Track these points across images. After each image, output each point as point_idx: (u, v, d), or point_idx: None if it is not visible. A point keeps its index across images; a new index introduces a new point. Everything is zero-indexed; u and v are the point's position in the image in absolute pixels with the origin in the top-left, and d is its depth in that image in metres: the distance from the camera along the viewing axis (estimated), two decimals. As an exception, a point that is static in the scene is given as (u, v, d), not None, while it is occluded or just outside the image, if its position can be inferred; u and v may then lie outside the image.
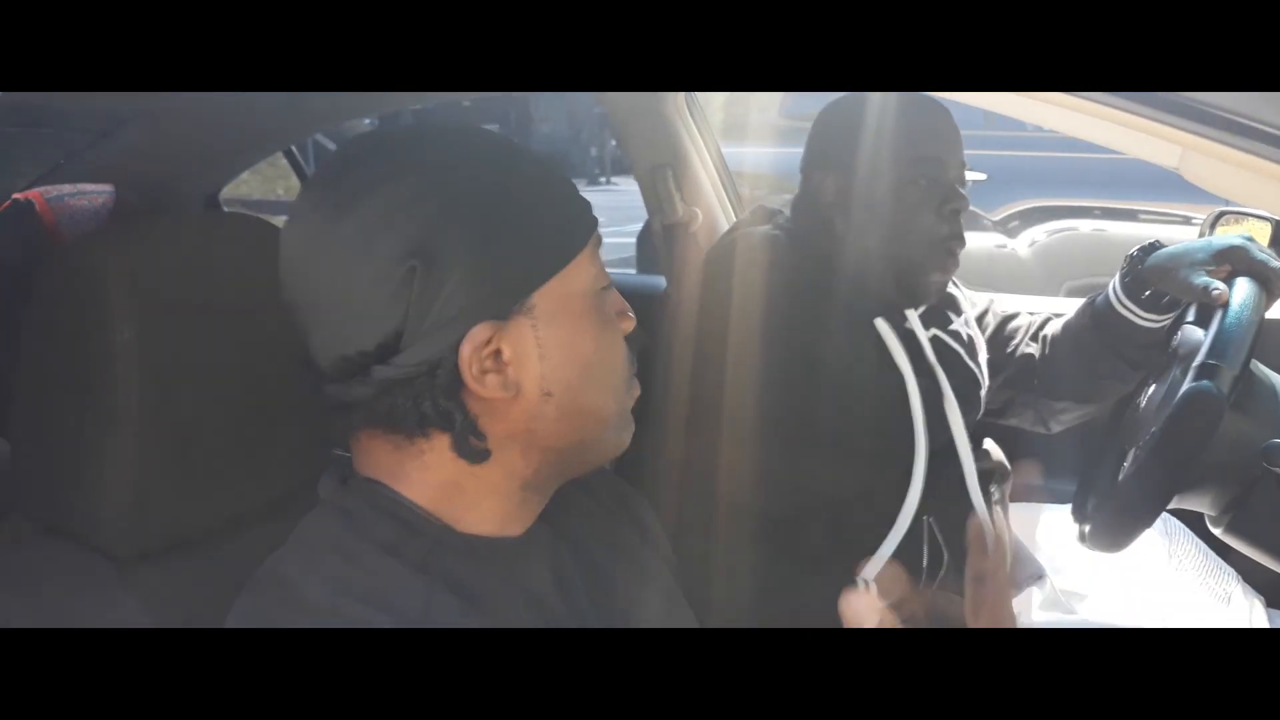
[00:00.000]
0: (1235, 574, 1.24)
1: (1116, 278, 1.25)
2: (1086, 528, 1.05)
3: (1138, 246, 1.24)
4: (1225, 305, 1.06)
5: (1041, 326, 1.38)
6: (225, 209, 2.27)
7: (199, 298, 0.77)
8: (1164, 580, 1.21)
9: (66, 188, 1.79)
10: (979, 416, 1.32)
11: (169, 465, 0.74)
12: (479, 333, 0.60)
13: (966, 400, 1.23)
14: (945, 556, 1.17)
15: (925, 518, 1.17)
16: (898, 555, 1.12)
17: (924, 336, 1.22)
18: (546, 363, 0.63)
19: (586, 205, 0.68)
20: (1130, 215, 3.34)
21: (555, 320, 0.64)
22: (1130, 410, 1.22)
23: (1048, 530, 1.33)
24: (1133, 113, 0.42)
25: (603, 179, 14.61)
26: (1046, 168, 3.35)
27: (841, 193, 1.18)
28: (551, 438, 0.66)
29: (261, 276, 0.83)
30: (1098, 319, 1.27)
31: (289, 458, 0.83)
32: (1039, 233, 3.47)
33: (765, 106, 4.16)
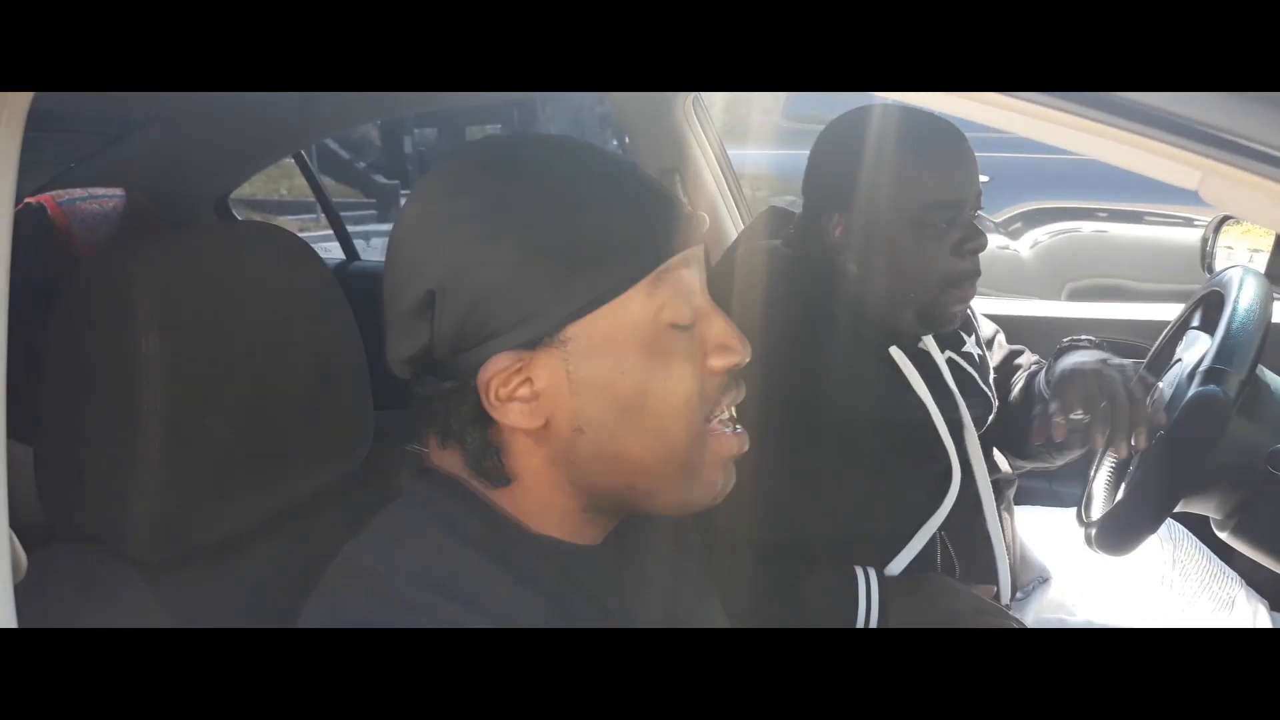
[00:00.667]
0: (1239, 578, 1.25)
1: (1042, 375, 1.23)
2: (1092, 531, 1.06)
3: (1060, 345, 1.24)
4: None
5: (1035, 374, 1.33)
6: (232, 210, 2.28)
7: (222, 306, 0.78)
8: (1168, 585, 1.22)
9: (78, 191, 1.81)
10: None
11: (193, 472, 0.75)
12: (499, 360, 0.58)
13: (980, 421, 1.22)
14: (957, 569, 1.17)
15: (939, 533, 1.16)
16: (910, 566, 1.13)
17: (940, 360, 1.19)
18: (578, 399, 0.59)
19: (657, 231, 0.60)
20: (1133, 217, 3.35)
21: (592, 355, 0.59)
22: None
23: (1052, 533, 1.34)
24: (1151, 137, 0.43)
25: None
26: (1049, 169, 3.35)
27: (852, 233, 1.11)
28: (593, 475, 0.62)
29: (283, 285, 0.84)
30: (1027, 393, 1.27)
31: (310, 464, 0.84)
32: (1041, 234, 3.47)
33: (768, 108, 4.16)
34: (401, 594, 0.57)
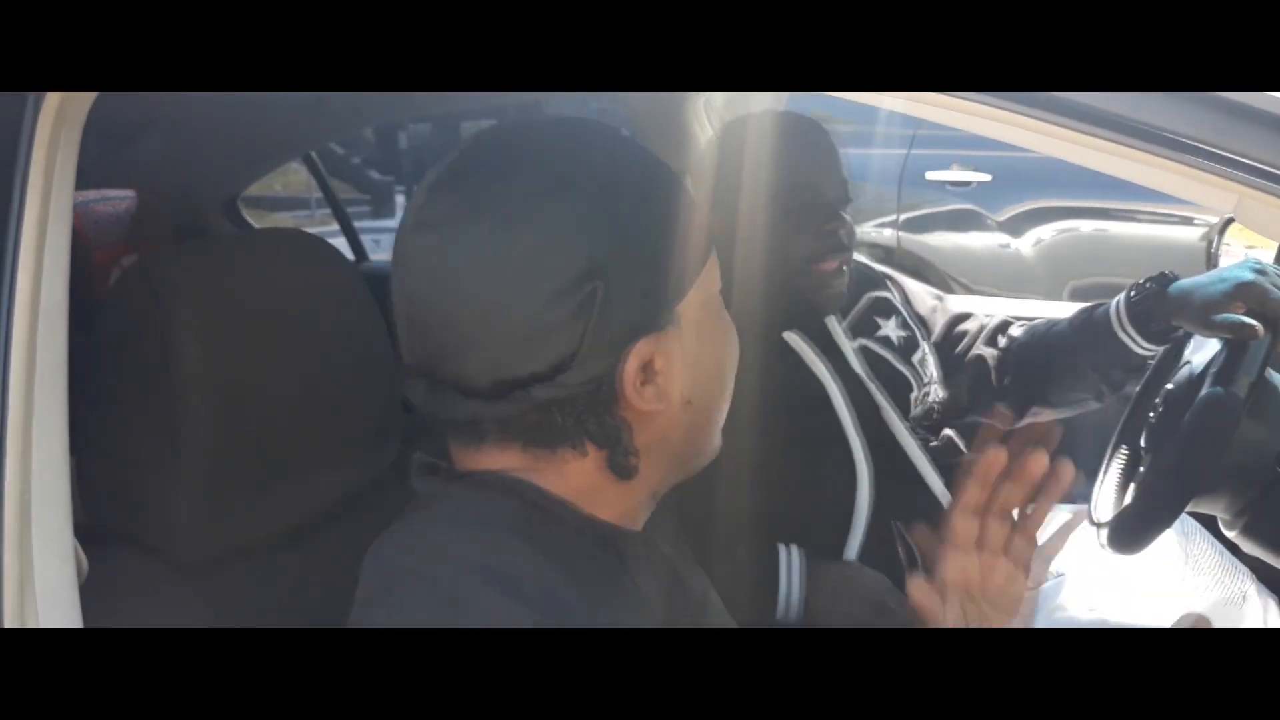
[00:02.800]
0: (1250, 573, 1.26)
1: (1121, 302, 1.25)
2: (1104, 531, 1.07)
3: (1148, 277, 1.24)
4: (1259, 338, 1.05)
5: (1000, 330, 1.39)
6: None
7: (259, 313, 0.80)
8: (1180, 579, 1.24)
9: (91, 194, 1.82)
10: (937, 417, 1.35)
11: (234, 476, 0.77)
12: (644, 347, 0.59)
13: (899, 401, 1.26)
14: (919, 557, 1.20)
15: (893, 522, 1.19)
16: (869, 561, 1.16)
17: (849, 347, 1.26)
18: (691, 371, 0.62)
19: (706, 213, 0.67)
20: (1134, 216, 3.36)
21: (695, 328, 0.62)
22: (1142, 415, 1.24)
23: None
24: (1189, 164, 0.45)
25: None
26: (1051, 169, 3.36)
27: (728, 231, 1.21)
28: (681, 444, 0.65)
29: (315, 290, 0.86)
30: (1090, 335, 1.28)
31: (345, 464, 0.86)
32: (1043, 233, 3.48)
33: (768, 107, 4.17)
34: (459, 592, 0.56)
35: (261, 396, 0.79)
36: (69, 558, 0.60)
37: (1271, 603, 1.23)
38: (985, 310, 1.47)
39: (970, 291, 3.48)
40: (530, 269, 0.56)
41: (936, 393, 1.35)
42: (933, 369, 1.34)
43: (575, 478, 0.62)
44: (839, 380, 1.21)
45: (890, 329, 1.32)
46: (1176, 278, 1.22)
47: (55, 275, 0.64)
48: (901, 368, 1.30)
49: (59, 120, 0.66)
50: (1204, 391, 1.02)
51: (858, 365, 1.25)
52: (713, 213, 1.22)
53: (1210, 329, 1.12)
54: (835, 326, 1.27)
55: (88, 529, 0.79)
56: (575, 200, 0.57)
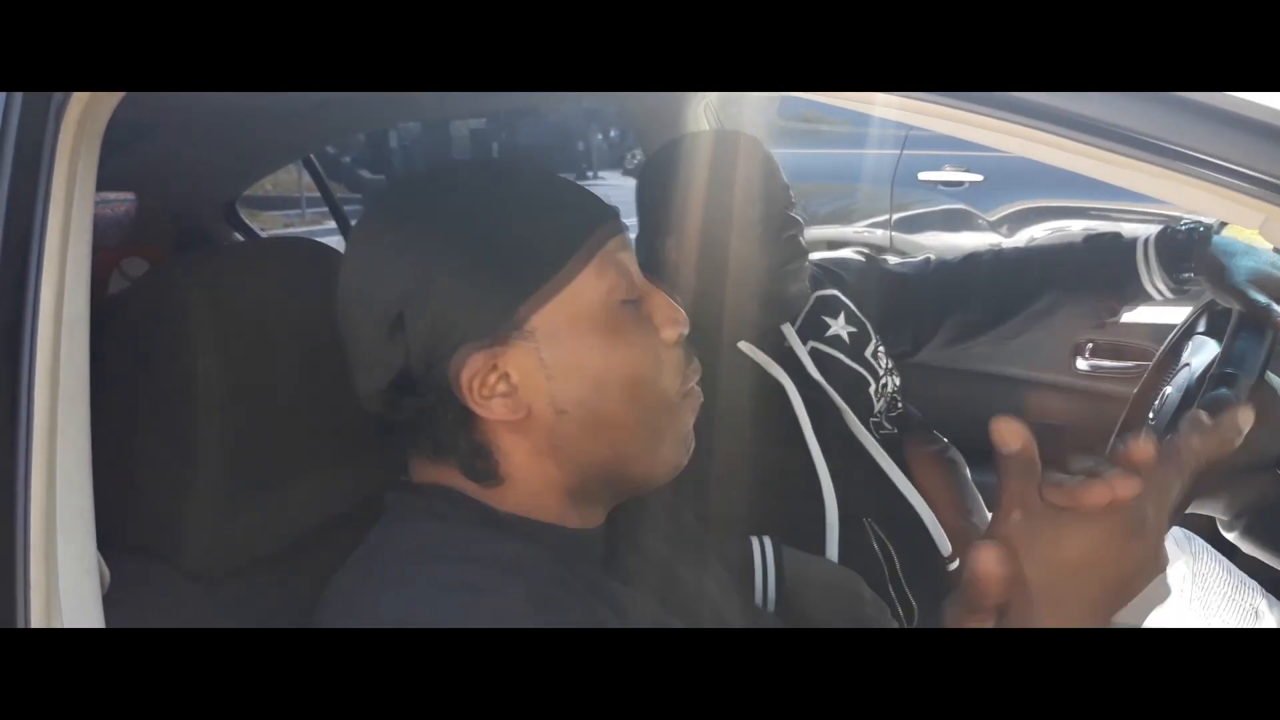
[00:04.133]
0: (1259, 587, 1.26)
1: (1153, 239, 1.22)
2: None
3: (1189, 222, 1.21)
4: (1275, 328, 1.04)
5: (958, 264, 1.40)
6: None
7: (271, 322, 0.80)
8: (1190, 600, 1.24)
9: (91, 197, 1.81)
10: (901, 407, 1.38)
11: (248, 485, 0.77)
12: (474, 361, 0.64)
13: (857, 399, 1.29)
14: (894, 556, 1.22)
15: (865, 520, 1.22)
16: (847, 562, 1.18)
17: (803, 351, 1.29)
18: (554, 382, 0.65)
19: (577, 218, 0.67)
20: (1125, 217, 3.38)
21: (559, 339, 0.65)
22: (1141, 416, 1.26)
23: None
24: (1218, 184, 0.46)
25: (590, 173, 14.61)
26: (1043, 169, 3.37)
27: (684, 251, 1.24)
28: (581, 454, 0.67)
29: (326, 297, 0.86)
30: (1104, 258, 1.26)
31: (356, 472, 0.86)
32: (1035, 233, 3.50)
33: (762, 107, 4.18)
34: (398, 570, 0.63)
35: (276, 405, 0.79)
36: (93, 569, 0.60)
37: (1280, 620, 1.23)
38: (915, 247, 1.50)
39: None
40: (354, 302, 0.67)
41: (894, 382, 1.37)
42: (885, 359, 1.36)
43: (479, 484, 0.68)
44: (797, 386, 1.24)
45: (839, 326, 1.34)
46: (1216, 230, 1.20)
47: (78, 286, 0.64)
48: (855, 365, 1.32)
49: (80, 129, 0.66)
50: (1204, 394, 1.03)
51: (813, 369, 1.28)
52: (662, 238, 1.26)
53: (1231, 294, 1.09)
54: (789, 332, 1.30)
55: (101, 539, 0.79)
56: (388, 238, 0.66)
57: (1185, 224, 1.22)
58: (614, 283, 0.67)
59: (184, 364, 0.74)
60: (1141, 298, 1.24)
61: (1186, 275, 1.19)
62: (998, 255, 1.40)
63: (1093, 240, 1.30)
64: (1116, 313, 1.31)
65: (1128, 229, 1.27)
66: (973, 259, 1.40)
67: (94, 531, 0.61)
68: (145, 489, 0.77)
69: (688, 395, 0.71)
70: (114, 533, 0.79)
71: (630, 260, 0.69)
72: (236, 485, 0.76)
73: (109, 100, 0.68)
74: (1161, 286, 1.22)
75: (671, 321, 0.69)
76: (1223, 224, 1.22)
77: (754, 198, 1.23)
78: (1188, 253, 1.19)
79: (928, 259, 1.46)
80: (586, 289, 0.66)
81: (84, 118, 0.65)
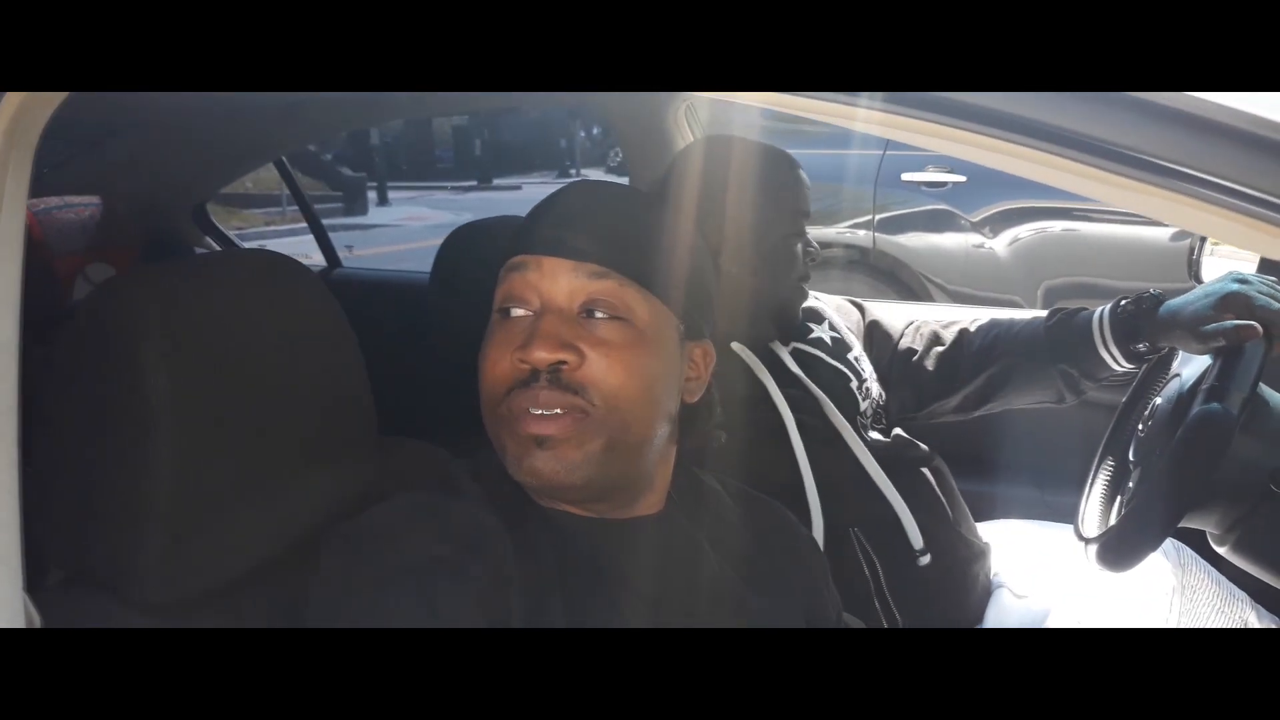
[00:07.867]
0: (1249, 598, 1.25)
1: (1105, 315, 1.26)
2: (1093, 548, 1.06)
3: (1133, 296, 1.24)
4: (1258, 337, 1.06)
5: (947, 329, 1.42)
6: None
7: (227, 340, 0.76)
8: (1179, 612, 1.22)
9: (54, 200, 1.77)
10: (886, 420, 1.38)
11: (201, 513, 0.73)
12: None
13: (839, 395, 1.29)
14: (878, 567, 1.22)
15: (851, 530, 1.21)
16: (835, 576, 1.15)
17: (784, 352, 1.30)
18: None
19: (511, 240, 0.76)
20: (1108, 217, 3.39)
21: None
22: (1130, 428, 1.24)
23: (1050, 552, 1.34)
24: (1239, 210, 0.44)
25: (573, 170, 14.60)
26: (1026, 170, 3.37)
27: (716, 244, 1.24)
28: None
29: (286, 314, 0.82)
30: (1065, 340, 1.29)
31: (316, 495, 0.83)
32: (1018, 233, 3.50)
33: (748, 106, 4.16)
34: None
35: (231, 428, 0.75)
36: (16, 572, 0.57)
37: (1274, 626, 1.22)
38: (908, 315, 1.50)
39: (948, 295, 3.50)
40: None
41: (876, 388, 1.37)
42: (868, 365, 1.38)
43: None
44: (780, 383, 1.25)
45: (822, 330, 1.36)
46: (1165, 297, 1.22)
47: (5, 310, 0.60)
48: (837, 363, 1.33)
49: (9, 135, 0.61)
50: (1198, 408, 1.01)
51: (795, 367, 1.29)
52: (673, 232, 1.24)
53: (1204, 341, 1.12)
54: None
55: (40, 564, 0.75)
56: None
57: (1131, 298, 1.25)
58: (501, 293, 0.75)
59: (133, 387, 0.70)
60: (1109, 375, 1.27)
61: (1140, 347, 1.22)
62: (962, 330, 1.42)
63: (1053, 324, 1.33)
64: (1084, 393, 1.31)
65: (1083, 314, 1.30)
66: (939, 334, 1.43)
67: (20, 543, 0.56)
68: (93, 517, 0.72)
69: (523, 410, 0.75)
70: (58, 564, 0.75)
71: (540, 280, 0.73)
72: (188, 515, 0.72)
73: (46, 103, 0.63)
74: (1127, 364, 1.25)
75: (523, 347, 0.72)
76: (1163, 295, 1.23)
77: (794, 211, 1.28)
78: (1136, 325, 1.22)
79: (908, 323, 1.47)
80: (497, 293, 0.78)
81: (15, 122, 0.60)
